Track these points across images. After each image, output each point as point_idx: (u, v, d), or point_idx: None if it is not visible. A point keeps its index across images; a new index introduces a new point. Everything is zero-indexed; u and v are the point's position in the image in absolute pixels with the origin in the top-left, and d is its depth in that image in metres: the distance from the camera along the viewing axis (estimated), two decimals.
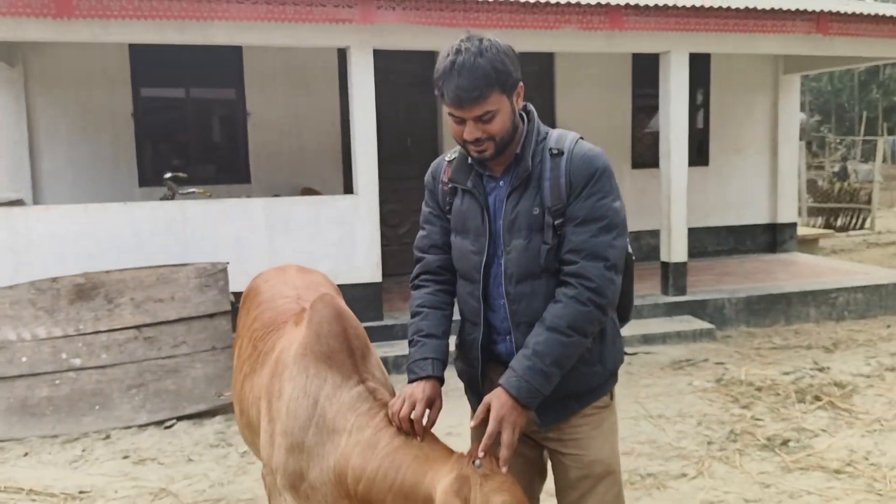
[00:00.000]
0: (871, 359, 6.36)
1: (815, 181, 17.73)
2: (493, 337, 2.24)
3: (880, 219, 15.31)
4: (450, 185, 2.26)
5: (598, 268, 2.04)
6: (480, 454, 1.92)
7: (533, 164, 2.12)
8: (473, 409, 2.31)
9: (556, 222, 2.09)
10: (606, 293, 2.05)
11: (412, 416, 2.01)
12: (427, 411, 2.05)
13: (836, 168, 21.20)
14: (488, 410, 2.00)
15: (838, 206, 15.02)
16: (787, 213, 10.25)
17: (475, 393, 2.28)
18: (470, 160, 2.20)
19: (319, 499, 2.10)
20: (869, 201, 15.12)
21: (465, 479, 1.87)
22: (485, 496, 1.86)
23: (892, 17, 7.55)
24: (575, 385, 2.17)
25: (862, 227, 14.86)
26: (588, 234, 2.05)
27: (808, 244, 11.18)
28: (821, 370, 6.02)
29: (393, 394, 2.27)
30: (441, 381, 2.15)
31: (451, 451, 2.01)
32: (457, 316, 2.32)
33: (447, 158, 2.31)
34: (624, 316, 2.37)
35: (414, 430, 2.01)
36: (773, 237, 10.24)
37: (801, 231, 11.49)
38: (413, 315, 2.28)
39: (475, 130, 2.05)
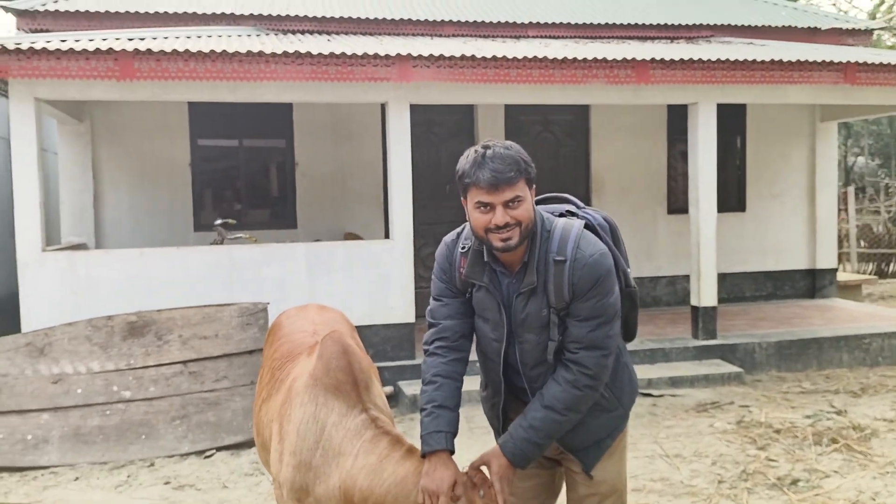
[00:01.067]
0: None
1: (870, 226, 17.51)
2: (520, 396, 2.51)
3: None
4: (457, 277, 2.46)
5: (595, 357, 2.33)
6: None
7: (538, 274, 2.33)
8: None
9: (560, 319, 2.34)
10: (600, 377, 2.36)
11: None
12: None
13: (892, 213, 20.79)
14: (483, 463, 2.37)
15: (889, 252, 14.82)
16: (827, 258, 10.25)
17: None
18: (485, 257, 2.38)
19: None
20: None
21: None
22: None
23: None
24: (603, 431, 2.52)
25: None
26: (588, 329, 2.32)
27: (851, 290, 11.11)
28: (840, 413, 6.08)
29: (391, 420, 2.58)
30: (452, 451, 2.34)
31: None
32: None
33: (460, 249, 2.46)
34: (629, 338, 2.65)
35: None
36: (812, 283, 10.24)
37: (844, 277, 11.43)
38: (427, 383, 2.44)
39: (504, 216, 2.24)
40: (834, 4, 31.88)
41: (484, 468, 2.38)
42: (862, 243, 15.43)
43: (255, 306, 6.09)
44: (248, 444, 5.75)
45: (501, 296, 2.40)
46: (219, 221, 7.57)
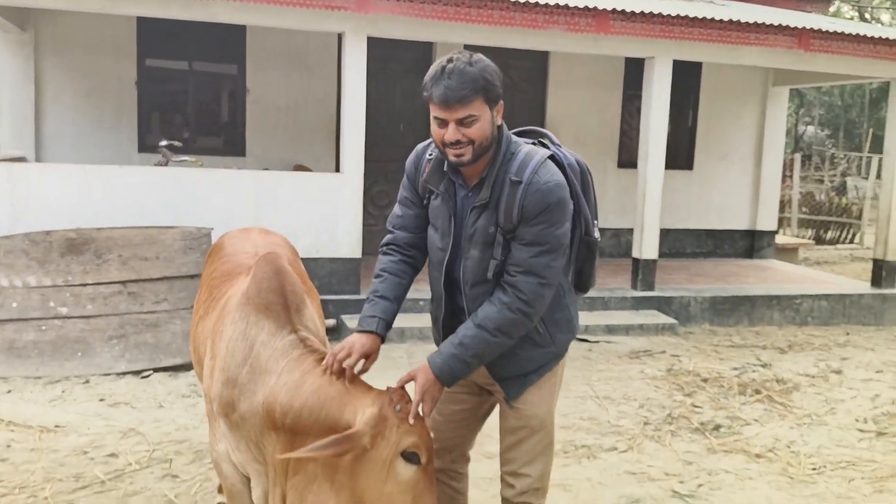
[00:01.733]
0: (820, 361, 6.66)
1: (812, 193, 17.99)
2: (459, 316, 2.53)
3: (870, 234, 15.50)
4: (421, 183, 2.53)
5: (532, 283, 2.32)
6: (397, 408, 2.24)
7: (493, 189, 2.35)
8: None
9: (505, 240, 2.36)
10: (535, 305, 2.34)
11: (345, 363, 2.30)
12: (362, 362, 2.37)
13: (836, 182, 21.39)
14: (411, 379, 2.35)
15: (828, 220, 15.28)
16: (767, 220, 10.54)
17: None
18: (445, 167, 2.44)
19: (248, 428, 2.41)
20: (860, 216, 15.37)
21: (384, 418, 2.19)
22: (399, 435, 2.19)
23: (871, 37, 7.81)
24: (532, 364, 2.52)
25: (851, 242, 15.11)
26: (530, 255, 2.32)
27: (789, 253, 11.46)
28: (765, 366, 6.34)
29: (324, 344, 2.60)
30: (382, 339, 2.44)
31: (371, 389, 2.32)
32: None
33: (427, 156, 2.53)
34: (582, 288, 2.69)
35: (343, 374, 2.30)
36: (751, 243, 10.54)
37: (782, 240, 11.77)
38: (375, 277, 2.57)
39: (456, 133, 2.26)
40: None
41: (410, 389, 2.37)
42: (804, 209, 15.86)
43: (198, 231, 6.03)
44: (187, 367, 5.75)
45: (454, 206, 2.44)
46: (164, 143, 7.41)
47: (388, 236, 2.63)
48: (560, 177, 2.36)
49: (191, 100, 8.79)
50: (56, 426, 4.59)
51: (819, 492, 4.10)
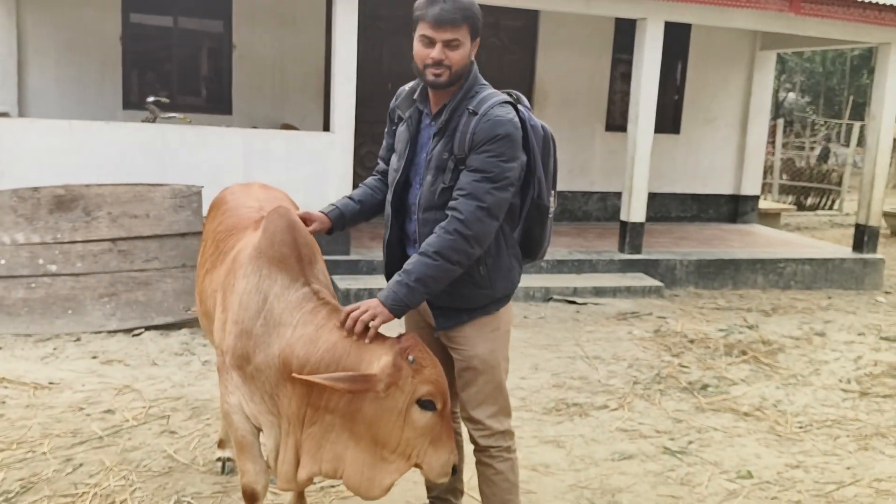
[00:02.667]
0: (804, 324, 6.78)
1: (793, 160, 18.13)
2: (406, 241, 2.69)
3: (850, 202, 15.67)
4: (396, 112, 2.72)
5: (471, 206, 2.42)
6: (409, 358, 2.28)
7: (452, 118, 2.50)
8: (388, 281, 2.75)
9: (456, 168, 2.49)
10: (472, 227, 2.41)
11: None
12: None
13: (818, 149, 21.54)
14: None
15: (809, 186, 15.42)
16: (751, 186, 10.62)
17: (387, 278, 2.70)
18: (415, 96, 2.62)
19: (263, 380, 2.43)
20: (840, 183, 15.52)
21: (398, 367, 2.23)
22: (413, 385, 2.23)
23: (861, 1, 7.81)
24: (466, 302, 2.62)
25: (831, 208, 15.28)
26: (473, 179, 2.44)
27: (770, 218, 11.57)
28: (751, 328, 6.45)
29: (334, 296, 2.61)
30: (330, 220, 2.75)
31: (386, 339, 2.36)
32: None
33: (406, 88, 2.73)
34: (530, 254, 2.79)
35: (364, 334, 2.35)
36: (735, 208, 10.62)
37: (765, 205, 11.88)
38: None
39: (441, 52, 2.43)
40: None
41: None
42: (784, 176, 15.99)
43: (188, 189, 5.97)
44: (178, 326, 5.75)
45: (415, 132, 2.62)
46: (151, 99, 7.30)
47: (378, 165, 2.90)
48: (514, 117, 2.49)
49: (176, 56, 8.65)
50: (50, 383, 4.58)
51: (806, 449, 4.21)
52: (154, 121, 7.18)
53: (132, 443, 3.88)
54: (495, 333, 2.71)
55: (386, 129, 2.83)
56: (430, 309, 2.67)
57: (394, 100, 2.77)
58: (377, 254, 7.14)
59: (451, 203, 2.46)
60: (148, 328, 5.68)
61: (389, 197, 2.69)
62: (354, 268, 6.97)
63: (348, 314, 2.36)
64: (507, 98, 2.56)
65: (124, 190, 5.84)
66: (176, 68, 8.68)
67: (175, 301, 5.80)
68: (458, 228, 2.41)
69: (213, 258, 2.90)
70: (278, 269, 2.45)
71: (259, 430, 2.52)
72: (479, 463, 2.79)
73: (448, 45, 2.44)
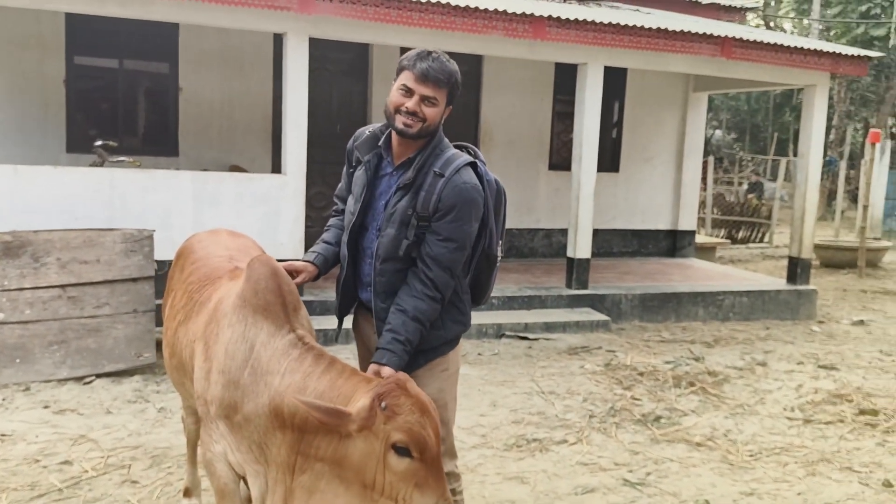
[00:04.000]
0: (746, 354, 7.04)
1: (723, 195, 18.80)
2: (358, 284, 2.83)
3: (779, 234, 16.32)
4: (355, 154, 2.83)
5: (446, 277, 2.64)
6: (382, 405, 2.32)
7: (417, 176, 2.63)
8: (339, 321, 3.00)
9: (419, 224, 2.62)
10: (445, 292, 2.67)
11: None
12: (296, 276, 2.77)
13: (748, 184, 22.31)
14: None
15: (741, 220, 16.01)
16: (688, 221, 11.01)
17: (339, 317, 2.98)
18: (379, 143, 2.75)
19: (251, 429, 2.44)
20: (769, 217, 16.15)
21: (373, 413, 2.25)
22: (386, 431, 2.25)
23: (789, 46, 8.27)
24: (423, 344, 2.72)
25: (761, 241, 15.87)
26: (446, 251, 2.62)
27: (707, 252, 11.98)
28: (697, 360, 6.67)
29: (317, 341, 2.65)
30: (316, 267, 2.84)
31: (371, 381, 2.39)
32: None
33: (367, 131, 2.82)
34: (476, 300, 2.96)
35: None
36: (673, 242, 10.98)
37: (701, 239, 12.30)
38: (323, 232, 3.00)
39: (417, 105, 2.57)
40: None
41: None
42: (716, 210, 16.57)
43: (140, 233, 5.91)
44: (131, 372, 5.66)
45: (372, 177, 2.74)
46: (99, 143, 7.22)
47: (335, 205, 3.03)
48: (477, 182, 2.65)
49: (121, 99, 8.59)
50: (2, 435, 4.46)
51: (758, 476, 4.38)
52: (102, 164, 7.10)
53: (93, 494, 3.81)
54: (445, 374, 2.82)
55: (344, 170, 2.92)
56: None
57: (352, 141, 2.86)
58: (330, 294, 7.16)
59: (428, 273, 2.62)
60: (99, 375, 5.57)
61: (345, 239, 2.80)
62: (309, 308, 6.92)
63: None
64: (468, 158, 2.68)
65: (74, 235, 5.75)
66: (121, 111, 8.61)
67: (127, 347, 5.71)
68: (438, 299, 2.64)
69: (187, 309, 2.91)
70: (263, 317, 2.47)
71: (241, 478, 2.53)
72: None
73: (425, 100, 2.57)
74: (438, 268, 2.62)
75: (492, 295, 3.09)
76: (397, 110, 2.60)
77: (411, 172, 2.63)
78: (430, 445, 2.30)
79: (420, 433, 2.26)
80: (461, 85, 2.68)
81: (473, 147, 2.83)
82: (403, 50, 9.11)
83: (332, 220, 3.01)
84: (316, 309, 6.95)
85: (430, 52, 2.61)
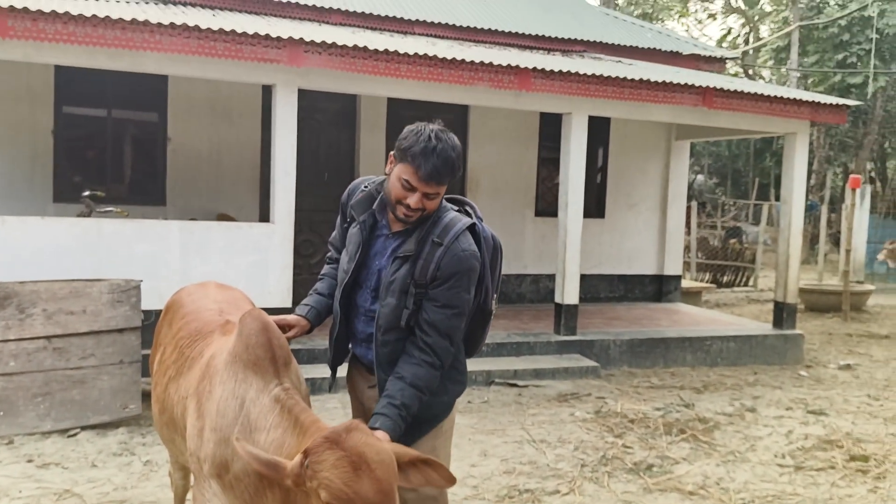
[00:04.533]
0: (735, 400, 7.03)
1: (707, 239, 18.97)
2: (352, 339, 2.83)
3: (763, 278, 16.44)
4: (349, 210, 2.80)
5: (445, 345, 2.61)
6: None
7: (417, 245, 2.60)
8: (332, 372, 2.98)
9: (416, 292, 2.59)
10: (445, 361, 2.64)
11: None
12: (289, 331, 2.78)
13: (725, 230, 22.57)
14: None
15: (725, 264, 16.13)
16: (673, 265, 11.09)
17: (331, 368, 2.96)
18: (374, 206, 2.72)
19: (242, 488, 2.39)
20: (753, 261, 16.29)
21: (302, 468, 2.10)
22: (312, 490, 2.10)
23: (769, 95, 8.43)
24: (429, 412, 2.71)
25: (745, 285, 15.98)
26: (445, 317, 2.59)
27: (692, 296, 12.04)
28: (687, 407, 6.66)
29: (306, 398, 2.63)
30: (308, 322, 2.84)
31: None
32: None
33: (363, 188, 2.79)
34: (469, 352, 2.93)
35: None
36: (659, 287, 11.04)
37: (687, 284, 12.37)
38: (317, 281, 2.99)
39: (419, 202, 2.54)
40: (686, 30, 34.12)
41: None
42: (700, 255, 16.70)
43: (127, 283, 5.89)
44: (116, 424, 5.58)
45: (367, 237, 2.71)
46: (87, 193, 7.23)
47: (329, 253, 3.03)
48: (475, 248, 2.63)
49: (109, 148, 8.62)
50: None
51: None
52: (90, 214, 7.10)
53: None
54: (437, 431, 2.80)
55: (338, 220, 2.92)
56: None
57: (346, 194, 2.85)
58: (317, 342, 7.12)
59: (427, 339, 2.58)
60: (84, 428, 5.50)
61: (338, 296, 2.78)
62: (297, 356, 6.87)
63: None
64: (467, 220, 2.64)
65: (60, 286, 5.72)
66: (109, 160, 8.63)
67: (112, 399, 5.65)
68: (439, 366, 2.61)
69: (178, 365, 2.89)
70: (253, 373, 2.44)
71: None
72: None
73: (427, 196, 2.55)
74: (437, 334, 2.59)
75: None
76: (397, 201, 2.57)
77: (412, 245, 2.60)
78: (355, 501, 2.08)
79: (341, 490, 2.06)
80: (462, 160, 2.62)
81: (470, 203, 2.81)
82: (392, 101, 9.28)
83: (325, 269, 3.00)
84: (304, 358, 6.91)
85: (435, 146, 2.50)
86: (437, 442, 2.78)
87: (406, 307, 2.59)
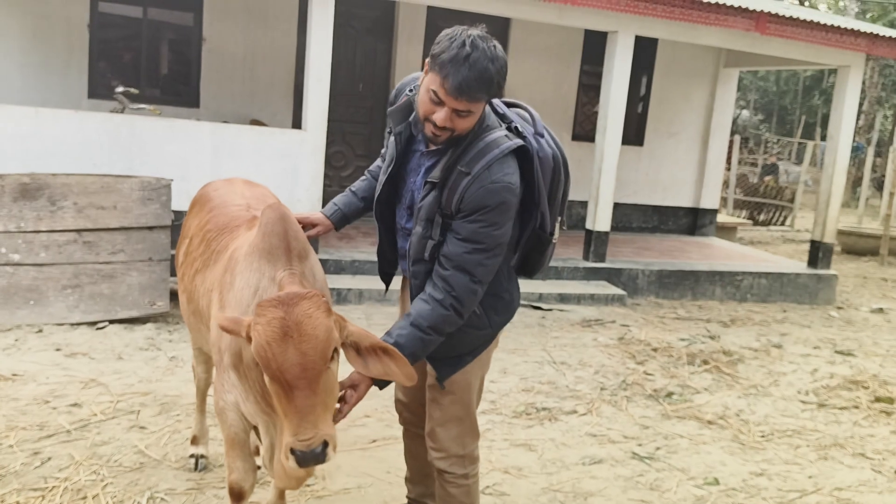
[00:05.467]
0: (762, 336, 6.95)
1: (746, 176, 18.56)
2: (398, 255, 2.65)
3: (801, 218, 16.12)
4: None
5: (464, 281, 2.30)
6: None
7: (442, 173, 2.32)
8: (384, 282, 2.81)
9: (444, 222, 2.34)
10: (465, 303, 2.32)
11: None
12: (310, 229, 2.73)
13: (763, 166, 22.03)
14: (353, 385, 2.30)
15: (763, 202, 15.80)
16: (710, 199, 10.85)
17: (382, 278, 2.80)
18: (411, 116, 2.41)
19: (253, 378, 2.39)
20: (792, 200, 15.93)
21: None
22: None
23: (825, 24, 8.06)
24: (468, 345, 2.53)
25: (783, 224, 15.67)
26: (463, 251, 2.29)
27: (727, 232, 11.83)
28: (712, 339, 6.59)
29: (324, 290, 2.58)
30: (332, 223, 2.76)
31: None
32: None
33: (408, 91, 2.47)
34: (526, 274, 2.67)
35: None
36: (694, 220, 10.84)
37: (722, 219, 12.14)
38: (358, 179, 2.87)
39: (447, 119, 2.21)
40: None
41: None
42: (738, 191, 16.36)
43: (158, 181, 5.88)
44: (143, 320, 5.66)
45: (401, 148, 2.46)
46: (120, 89, 7.17)
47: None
48: (512, 177, 2.29)
49: (144, 47, 8.52)
50: (13, 374, 4.47)
51: (769, 457, 4.32)
52: (123, 111, 7.06)
53: (101, 437, 3.81)
54: (481, 365, 2.63)
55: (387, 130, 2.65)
56: (427, 361, 2.56)
57: (393, 95, 2.59)
58: (344, 253, 7.13)
59: (442, 272, 2.32)
60: (112, 321, 5.58)
61: (375, 208, 2.60)
62: (324, 267, 6.93)
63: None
64: (509, 145, 2.29)
65: (92, 180, 5.72)
66: (143, 59, 8.54)
67: (140, 295, 5.71)
68: (453, 304, 2.31)
69: (204, 257, 2.86)
70: (267, 262, 2.39)
71: (253, 429, 2.50)
72: (437, 480, 2.69)
73: (458, 113, 2.21)
74: (453, 268, 2.30)
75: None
76: (425, 117, 2.26)
77: (438, 171, 2.32)
78: (272, 368, 2.02)
79: (262, 347, 2.01)
80: (506, 74, 2.23)
81: (529, 109, 2.51)
82: (431, 9, 9.00)
83: (373, 167, 2.81)
84: (330, 268, 6.93)
85: (469, 53, 2.14)
86: (471, 368, 2.58)
87: (431, 237, 2.35)
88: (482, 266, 2.30)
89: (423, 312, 2.31)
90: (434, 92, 2.19)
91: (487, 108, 2.36)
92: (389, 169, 2.48)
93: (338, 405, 2.22)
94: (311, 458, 1.98)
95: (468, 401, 2.62)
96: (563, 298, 7.36)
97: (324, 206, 7.10)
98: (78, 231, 5.63)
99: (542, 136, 2.47)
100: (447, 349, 2.46)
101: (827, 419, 4.99)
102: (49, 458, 3.54)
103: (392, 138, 2.47)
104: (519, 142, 2.33)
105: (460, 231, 2.28)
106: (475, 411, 2.67)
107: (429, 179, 2.35)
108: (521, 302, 7.28)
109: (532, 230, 2.48)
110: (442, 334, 2.35)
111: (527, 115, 2.51)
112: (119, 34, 8.50)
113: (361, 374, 2.24)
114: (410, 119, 2.41)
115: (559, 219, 2.57)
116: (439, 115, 2.20)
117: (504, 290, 2.53)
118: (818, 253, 8.83)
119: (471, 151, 2.27)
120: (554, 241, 2.56)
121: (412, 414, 2.89)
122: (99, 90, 8.19)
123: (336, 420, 2.18)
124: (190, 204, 3.44)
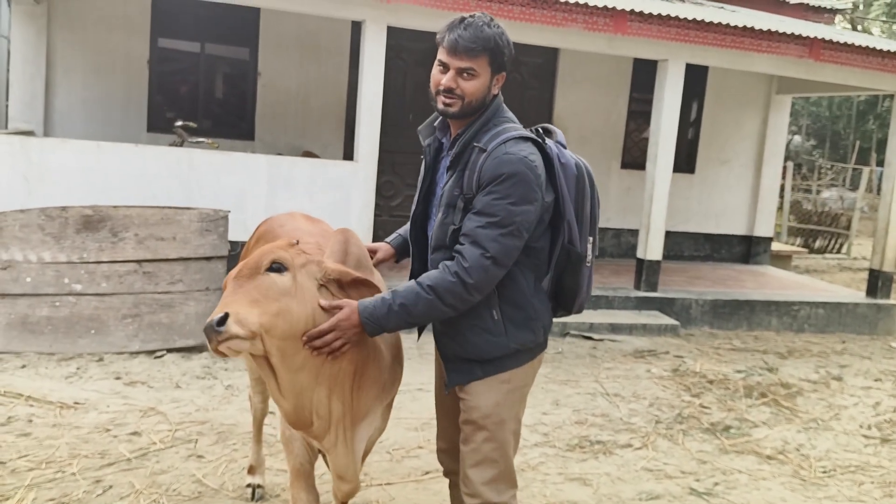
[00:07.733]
0: (820, 367, 6.78)
1: (800, 202, 18.21)
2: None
3: (858, 246, 15.72)
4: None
5: (475, 253, 2.27)
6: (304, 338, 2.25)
7: (464, 152, 2.38)
8: None
9: (466, 207, 2.34)
10: (474, 276, 2.27)
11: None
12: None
13: (827, 193, 21.58)
14: (339, 307, 2.30)
15: (818, 229, 15.47)
16: (764, 227, 10.67)
17: None
18: (436, 122, 2.53)
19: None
20: (848, 227, 15.57)
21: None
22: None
23: (881, 49, 7.92)
24: (478, 350, 2.42)
25: (839, 252, 15.31)
26: (477, 224, 2.28)
27: (782, 260, 11.60)
28: (770, 371, 6.45)
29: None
30: (394, 249, 2.82)
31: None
32: None
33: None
34: (566, 306, 2.58)
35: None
36: (747, 249, 10.66)
37: (776, 247, 11.91)
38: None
39: (452, 80, 2.34)
40: None
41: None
42: (792, 218, 16.06)
43: (216, 213, 6.01)
44: (200, 349, 5.76)
45: (431, 162, 2.55)
46: (179, 123, 7.38)
47: None
48: (529, 155, 2.31)
49: (201, 82, 8.76)
50: (76, 403, 4.59)
51: (831, 494, 4.20)
52: (181, 144, 7.25)
53: (160, 466, 3.88)
54: (504, 386, 2.46)
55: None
56: (442, 362, 2.55)
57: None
58: (393, 282, 7.16)
59: (458, 247, 2.32)
60: (170, 350, 5.70)
61: (409, 229, 2.64)
62: None
63: (319, 336, 2.26)
64: (526, 134, 2.37)
65: (152, 212, 5.88)
66: (201, 93, 8.78)
67: (197, 324, 5.82)
68: (459, 273, 2.27)
69: None
70: None
71: (318, 457, 2.54)
72: None
73: (461, 73, 2.34)
74: (468, 241, 2.28)
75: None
76: (436, 90, 2.39)
77: (456, 148, 2.39)
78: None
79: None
80: (512, 49, 2.40)
81: (550, 126, 2.53)
82: None
83: None
84: None
85: (464, 19, 2.36)
86: (502, 399, 2.45)
87: (453, 223, 2.35)
88: (496, 242, 2.26)
89: (429, 274, 2.34)
90: (440, 60, 2.38)
91: (504, 110, 2.46)
92: (423, 183, 2.57)
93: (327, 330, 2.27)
94: (208, 328, 2.07)
95: (502, 440, 2.48)
96: (615, 328, 7.28)
97: (374, 237, 7.18)
98: (138, 262, 5.77)
99: (565, 147, 2.52)
100: (456, 348, 2.45)
101: (891, 455, 4.83)
102: (110, 486, 3.61)
103: (425, 152, 2.57)
104: (526, 133, 2.39)
105: (476, 205, 2.31)
106: (511, 457, 2.52)
107: (447, 164, 2.44)
108: (573, 332, 7.19)
109: (561, 245, 2.45)
110: (444, 302, 2.29)
111: (551, 131, 2.56)
112: (177, 69, 8.76)
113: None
114: (436, 124, 2.53)
115: (591, 238, 2.52)
116: (446, 78, 2.35)
117: (527, 304, 2.44)
118: (877, 282, 8.61)
119: (488, 133, 2.37)
120: (588, 263, 2.51)
121: (453, 461, 2.73)
122: (158, 124, 8.43)
123: (319, 336, 2.25)
124: (253, 236, 3.49)
